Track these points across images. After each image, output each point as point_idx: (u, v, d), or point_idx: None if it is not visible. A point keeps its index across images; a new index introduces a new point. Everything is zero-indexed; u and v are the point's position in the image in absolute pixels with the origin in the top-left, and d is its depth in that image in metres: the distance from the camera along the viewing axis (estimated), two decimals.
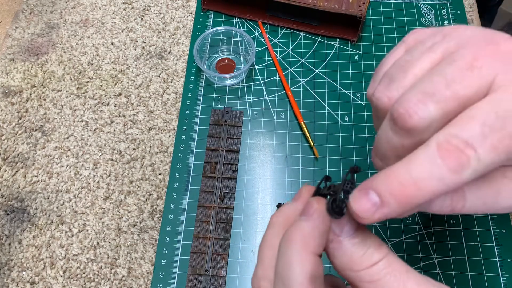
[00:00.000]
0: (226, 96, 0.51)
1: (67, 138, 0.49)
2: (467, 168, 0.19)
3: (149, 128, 0.49)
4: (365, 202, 0.20)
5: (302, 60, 0.53)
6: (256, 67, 0.53)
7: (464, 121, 0.20)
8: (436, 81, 0.22)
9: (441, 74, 0.22)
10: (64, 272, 0.42)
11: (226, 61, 0.53)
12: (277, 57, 0.53)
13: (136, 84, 0.52)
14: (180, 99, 0.51)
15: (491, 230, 0.43)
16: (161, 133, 0.49)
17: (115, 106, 0.51)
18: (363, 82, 0.51)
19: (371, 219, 0.20)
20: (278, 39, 0.55)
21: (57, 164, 0.47)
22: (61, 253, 0.43)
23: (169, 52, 0.54)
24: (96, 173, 0.47)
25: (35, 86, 0.52)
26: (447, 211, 0.23)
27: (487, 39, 0.22)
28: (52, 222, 0.44)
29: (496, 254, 0.41)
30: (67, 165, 0.47)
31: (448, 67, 0.22)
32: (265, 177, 0.46)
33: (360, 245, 0.22)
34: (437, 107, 0.21)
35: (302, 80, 0.52)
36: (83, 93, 0.52)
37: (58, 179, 0.46)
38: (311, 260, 0.21)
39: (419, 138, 0.22)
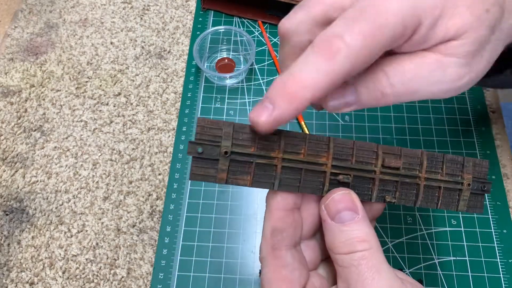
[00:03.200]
0: (226, 96, 0.51)
1: (66, 138, 0.48)
2: (338, 54, 0.21)
3: (149, 128, 0.49)
4: (260, 110, 0.22)
5: None
6: (256, 66, 0.53)
7: (332, 24, 0.22)
8: None
9: None
10: (63, 272, 0.42)
11: (226, 60, 0.53)
12: (277, 56, 0.53)
13: (135, 84, 0.52)
14: (180, 99, 0.51)
15: (492, 230, 0.42)
16: (161, 133, 0.49)
17: (114, 106, 0.50)
18: None
19: (267, 125, 0.22)
20: (278, 38, 0.55)
21: (56, 164, 0.47)
22: (60, 254, 0.42)
23: (168, 52, 0.54)
24: (95, 173, 0.46)
25: (34, 86, 0.52)
26: (344, 107, 0.25)
27: None
28: (51, 222, 0.44)
29: (497, 254, 0.41)
30: (66, 165, 0.47)
31: None
32: None
33: (346, 233, 0.24)
34: (303, 13, 0.25)
35: None
36: (82, 93, 0.51)
37: (57, 179, 0.46)
38: (276, 215, 0.25)
39: (295, 41, 0.25)
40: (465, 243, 0.42)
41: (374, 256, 0.23)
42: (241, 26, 0.56)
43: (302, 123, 0.48)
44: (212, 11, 0.57)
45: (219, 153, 0.23)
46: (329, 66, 0.21)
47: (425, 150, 0.27)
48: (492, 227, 0.42)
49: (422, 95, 0.24)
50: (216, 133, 0.23)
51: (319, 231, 0.27)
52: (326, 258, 0.27)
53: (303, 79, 0.21)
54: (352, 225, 0.23)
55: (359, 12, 0.22)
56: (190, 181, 0.45)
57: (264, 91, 0.51)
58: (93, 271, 0.42)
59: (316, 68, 0.21)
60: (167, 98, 0.51)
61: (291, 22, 0.25)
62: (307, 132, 0.47)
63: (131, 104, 0.51)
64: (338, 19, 0.22)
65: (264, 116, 0.21)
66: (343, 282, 0.23)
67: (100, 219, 0.44)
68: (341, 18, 0.22)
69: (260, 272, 0.40)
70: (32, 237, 0.43)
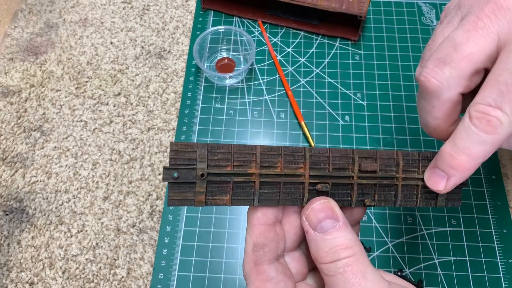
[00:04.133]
0: (226, 95, 0.51)
1: (66, 138, 0.48)
2: (499, 125, 0.23)
3: (149, 128, 0.49)
4: (436, 178, 0.25)
5: (303, 60, 0.53)
6: (256, 66, 0.53)
7: (484, 87, 0.23)
8: (447, 46, 0.25)
9: (450, 40, 0.25)
10: (63, 272, 0.42)
11: (226, 60, 0.53)
12: (277, 56, 0.53)
13: (135, 84, 0.52)
14: (180, 98, 0.51)
15: (492, 230, 0.42)
16: (161, 133, 0.49)
17: (114, 106, 0.50)
18: (364, 81, 0.51)
19: (446, 188, 0.25)
20: (278, 38, 0.55)
21: (56, 164, 0.47)
22: (60, 254, 0.42)
23: (168, 52, 0.54)
24: (95, 173, 0.46)
25: (34, 86, 0.52)
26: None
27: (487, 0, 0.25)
28: (51, 222, 0.44)
29: (497, 254, 0.41)
30: (66, 165, 0.47)
31: (456, 32, 0.25)
32: None
33: (328, 241, 0.24)
34: (450, 69, 0.25)
35: (303, 80, 0.52)
36: (82, 93, 0.51)
37: (57, 179, 0.46)
38: (257, 230, 0.25)
39: (445, 96, 0.26)
40: (465, 243, 0.42)
41: (358, 261, 0.23)
42: (241, 26, 0.56)
43: (302, 123, 0.48)
44: (212, 11, 0.57)
45: (195, 176, 0.23)
46: (493, 139, 0.23)
47: (400, 150, 0.28)
48: (492, 227, 0.42)
49: None
50: (190, 156, 0.23)
51: (303, 242, 0.27)
52: (314, 268, 0.28)
53: (472, 154, 0.24)
54: (334, 233, 0.24)
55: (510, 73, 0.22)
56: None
57: (264, 91, 0.51)
58: (93, 271, 0.42)
59: (480, 142, 0.23)
60: (167, 98, 0.51)
61: (441, 79, 0.25)
62: (307, 132, 0.47)
63: (131, 104, 0.51)
64: (492, 84, 0.23)
65: (442, 184, 0.25)
66: None
67: (100, 219, 0.44)
68: (492, 83, 0.23)
69: None
70: (32, 237, 0.43)
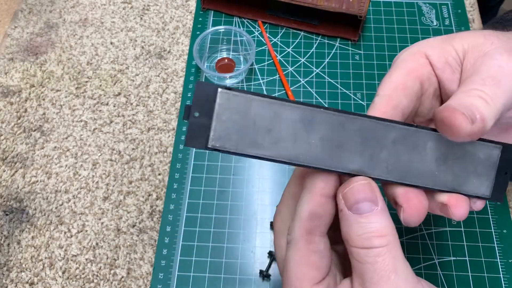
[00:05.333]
0: None
1: (66, 138, 0.48)
2: None
3: (149, 128, 0.49)
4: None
5: (303, 60, 0.53)
6: (256, 66, 0.53)
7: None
8: None
9: None
10: (63, 272, 0.42)
11: (226, 60, 0.53)
12: (277, 56, 0.53)
13: (135, 84, 0.52)
14: (180, 98, 0.51)
15: (492, 230, 0.42)
16: (161, 133, 0.49)
17: (114, 106, 0.50)
18: (364, 82, 0.51)
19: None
20: (278, 38, 0.55)
21: (56, 164, 0.47)
22: (60, 254, 0.42)
23: (168, 52, 0.54)
24: (95, 174, 0.46)
25: (34, 86, 0.52)
26: None
27: None
28: (51, 222, 0.44)
29: (497, 255, 0.41)
30: (66, 165, 0.47)
31: None
32: (265, 177, 0.45)
33: (363, 225, 0.23)
34: None
35: (303, 80, 0.52)
36: (82, 93, 0.51)
37: (57, 180, 0.46)
38: (316, 200, 0.24)
39: None
40: (465, 243, 0.42)
41: (391, 253, 0.22)
42: (241, 26, 0.56)
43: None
44: (212, 11, 0.57)
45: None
46: None
47: None
48: (492, 227, 0.42)
49: None
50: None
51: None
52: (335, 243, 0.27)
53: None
54: (370, 217, 0.23)
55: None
56: (190, 180, 0.45)
57: (264, 91, 0.51)
58: (93, 271, 0.42)
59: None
60: (167, 98, 0.51)
61: None
62: None
63: (131, 104, 0.51)
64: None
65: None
66: (358, 276, 0.23)
67: (100, 219, 0.44)
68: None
69: (260, 272, 0.41)
70: (32, 237, 0.43)
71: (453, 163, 0.25)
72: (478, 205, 0.26)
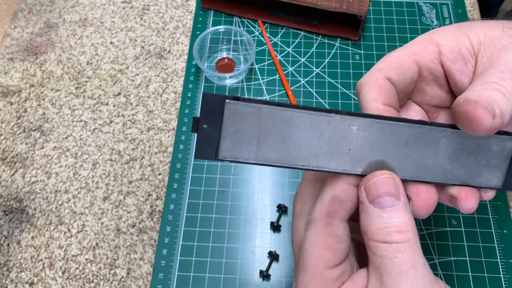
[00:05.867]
0: None
1: (66, 138, 0.48)
2: None
3: (149, 128, 0.49)
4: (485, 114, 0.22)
5: (303, 60, 0.53)
6: (256, 66, 0.53)
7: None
8: None
9: None
10: (63, 272, 0.41)
11: (226, 60, 0.53)
12: (277, 56, 0.53)
13: (135, 84, 0.52)
14: (180, 98, 0.51)
15: (493, 230, 0.42)
16: (161, 133, 0.49)
17: (114, 106, 0.50)
18: None
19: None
20: (278, 38, 0.55)
21: (56, 164, 0.47)
22: (60, 254, 0.42)
23: (168, 52, 0.54)
24: (95, 173, 0.46)
25: (33, 86, 0.52)
26: None
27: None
28: (51, 222, 0.44)
29: (498, 255, 0.41)
30: (66, 165, 0.47)
31: None
32: (265, 177, 0.45)
33: (383, 219, 0.22)
34: None
35: (303, 80, 0.51)
36: (82, 92, 0.51)
37: (57, 179, 0.46)
38: (340, 186, 0.24)
39: None
40: (465, 243, 0.42)
41: (410, 249, 0.22)
42: (241, 26, 0.56)
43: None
44: (212, 11, 0.57)
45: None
46: None
47: None
48: (493, 227, 0.42)
49: None
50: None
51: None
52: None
53: None
54: (391, 212, 0.22)
55: None
56: (190, 180, 0.45)
57: (264, 91, 0.51)
58: (93, 271, 0.42)
59: None
60: (167, 98, 0.51)
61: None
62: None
63: (131, 104, 0.51)
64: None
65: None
66: (375, 270, 0.23)
67: (100, 219, 0.44)
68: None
69: (260, 272, 0.40)
70: (32, 237, 0.43)
71: (466, 157, 0.25)
72: (490, 195, 0.26)
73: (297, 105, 0.23)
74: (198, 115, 0.22)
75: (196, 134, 0.22)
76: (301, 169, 0.24)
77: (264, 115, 0.23)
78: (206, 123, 0.22)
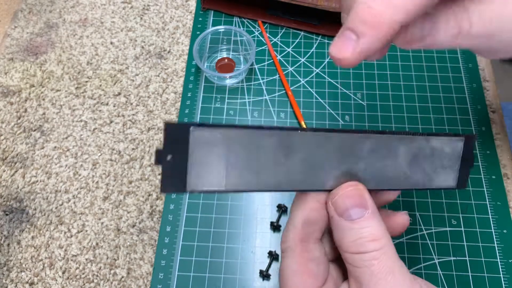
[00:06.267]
0: (226, 95, 0.51)
1: (66, 138, 0.48)
2: None
3: (149, 128, 0.49)
4: (343, 45, 0.19)
5: (303, 60, 0.53)
6: (256, 66, 0.53)
7: None
8: None
9: None
10: (63, 272, 0.42)
11: (226, 60, 0.53)
12: (277, 56, 0.53)
13: (135, 84, 0.52)
14: (180, 98, 0.51)
15: (493, 230, 0.42)
16: (161, 133, 0.49)
17: (114, 106, 0.50)
18: (364, 81, 0.51)
19: (352, 58, 0.19)
20: (278, 38, 0.55)
21: (56, 164, 0.47)
22: (60, 254, 0.42)
23: (168, 52, 0.54)
24: (95, 173, 0.46)
25: (34, 86, 0.52)
26: (418, 42, 0.22)
27: None
28: (51, 222, 0.44)
29: (497, 255, 0.41)
30: (66, 165, 0.47)
31: None
32: None
33: (355, 231, 0.22)
34: None
35: (303, 80, 0.52)
36: (82, 93, 0.51)
37: (57, 179, 0.46)
38: (310, 206, 0.23)
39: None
40: (465, 243, 0.42)
41: (386, 255, 0.22)
42: (241, 26, 0.56)
43: (302, 123, 0.48)
44: (212, 11, 0.57)
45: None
46: None
47: None
48: (492, 227, 0.42)
49: (501, 41, 0.21)
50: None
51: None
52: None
53: (393, 1, 0.18)
54: (361, 223, 0.22)
55: None
56: None
57: (264, 91, 0.51)
58: (93, 271, 0.42)
59: None
60: (167, 98, 0.51)
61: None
62: None
63: (131, 104, 0.51)
64: None
65: (349, 50, 0.19)
66: (355, 281, 0.23)
67: (100, 219, 0.44)
68: None
69: (260, 272, 0.40)
70: (32, 237, 0.43)
71: (423, 161, 0.26)
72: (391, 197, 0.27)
73: (264, 126, 0.22)
74: (162, 147, 0.21)
75: (161, 167, 0.21)
76: (272, 191, 0.23)
77: (232, 140, 0.22)
78: (170, 153, 0.21)
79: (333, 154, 0.24)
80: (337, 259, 0.27)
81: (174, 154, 0.21)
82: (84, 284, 0.41)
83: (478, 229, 0.42)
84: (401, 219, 0.26)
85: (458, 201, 0.44)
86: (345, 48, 0.19)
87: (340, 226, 0.23)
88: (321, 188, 0.24)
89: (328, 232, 0.26)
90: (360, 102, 0.50)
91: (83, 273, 0.41)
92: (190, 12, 0.57)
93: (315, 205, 0.24)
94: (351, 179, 0.24)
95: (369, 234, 0.22)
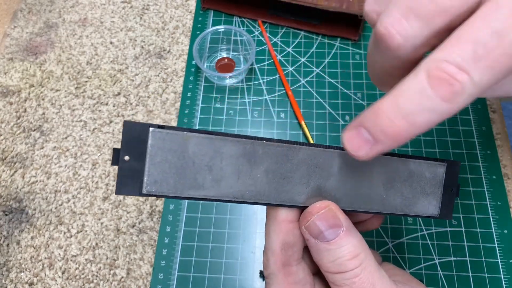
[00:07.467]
0: (226, 95, 0.50)
1: (66, 138, 0.48)
2: (461, 94, 0.18)
3: None
4: (357, 140, 0.20)
5: (303, 60, 0.53)
6: (256, 66, 0.53)
7: (454, 42, 0.18)
8: None
9: None
10: (63, 273, 0.41)
11: (226, 60, 0.53)
12: (277, 56, 0.53)
13: (135, 84, 0.52)
14: (180, 98, 0.51)
15: (493, 231, 0.42)
16: None
17: (114, 106, 0.50)
18: (364, 81, 0.51)
19: (367, 156, 0.20)
20: (278, 38, 0.55)
21: (55, 164, 0.47)
22: (59, 254, 0.42)
23: (168, 52, 0.54)
24: (95, 174, 0.46)
25: (33, 86, 0.52)
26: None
27: None
28: (50, 222, 0.44)
29: (498, 255, 0.41)
30: (66, 165, 0.47)
31: None
32: None
33: (332, 252, 0.22)
34: (420, 24, 0.19)
35: (303, 80, 0.51)
36: (82, 92, 0.51)
37: (57, 180, 0.46)
38: (285, 228, 0.23)
39: (408, 56, 0.20)
40: (465, 244, 0.42)
41: (366, 270, 0.22)
42: (241, 26, 0.56)
43: (302, 123, 0.48)
44: (212, 11, 0.57)
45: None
46: (447, 109, 0.18)
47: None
48: (493, 227, 0.42)
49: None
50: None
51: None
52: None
53: (413, 121, 0.18)
54: (337, 242, 0.22)
55: (495, 37, 0.17)
56: None
57: (264, 90, 0.51)
58: (92, 271, 0.41)
59: (430, 109, 0.18)
60: (166, 98, 0.51)
61: (407, 35, 0.19)
62: (307, 132, 0.47)
63: (131, 104, 0.50)
64: (464, 41, 0.18)
65: (365, 150, 0.20)
66: None
67: (99, 219, 0.44)
68: (468, 40, 0.17)
69: (260, 272, 0.40)
70: (32, 237, 0.43)
71: (401, 185, 0.25)
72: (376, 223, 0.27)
73: (227, 133, 0.22)
74: (119, 146, 0.21)
75: (118, 168, 0.20)
76: (234, 202, 0.22)
77: (193, 144, 0.21)
78: (128, 154, 0.20)
79: (302, 168, 0.23)
80: (319, 272, 0.26)
81: (131, 154, 0.20)
82: (83, 285, 0.41)
83: (478, 229, 0.42)
84: (375, 218, 0.27)
85: (459, 201, 0.44)
86: (361, 147, 0.20)
87: (317, 247, 0.23)
88: (291, 203, 0.23)
89: (306, 248, 0.26)
90: (361, 102, 0.50)
91: (83, 274, 0.41)
92: (190, 12, 0.57)
93: (289, 226, 0.23)
94: (322, 196, 0.23)
95: (347, 252, 0.22)
